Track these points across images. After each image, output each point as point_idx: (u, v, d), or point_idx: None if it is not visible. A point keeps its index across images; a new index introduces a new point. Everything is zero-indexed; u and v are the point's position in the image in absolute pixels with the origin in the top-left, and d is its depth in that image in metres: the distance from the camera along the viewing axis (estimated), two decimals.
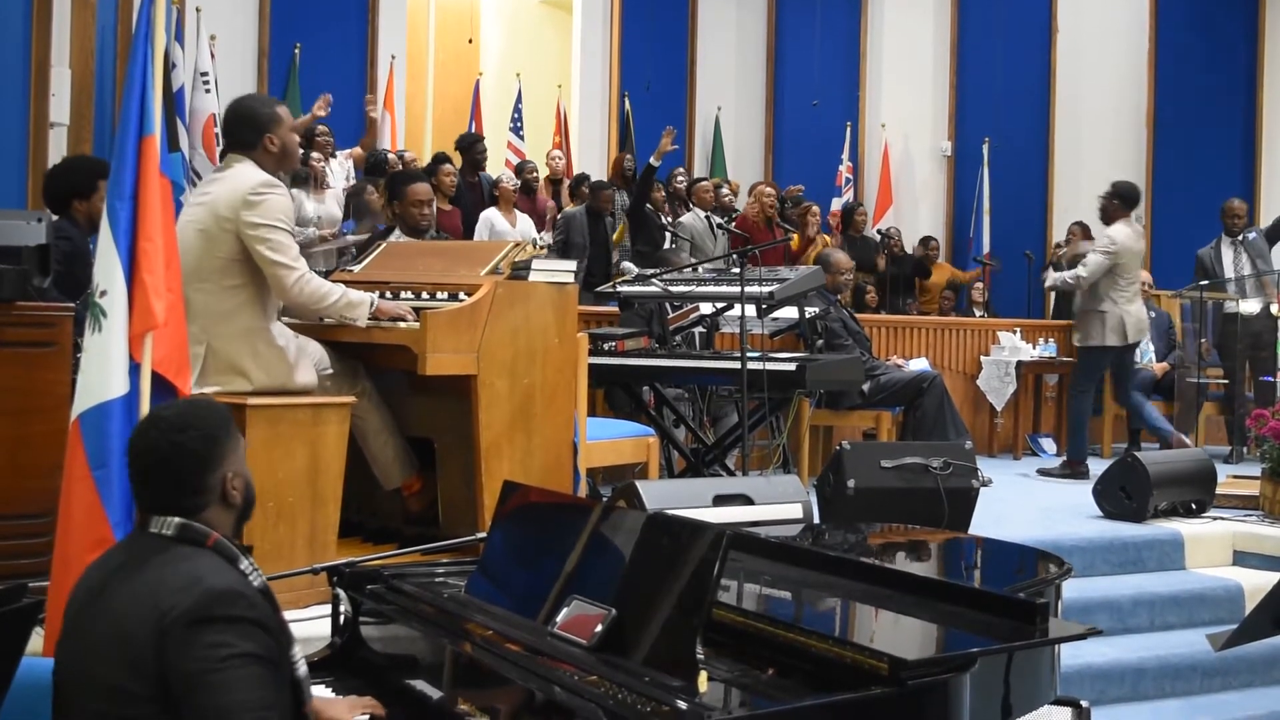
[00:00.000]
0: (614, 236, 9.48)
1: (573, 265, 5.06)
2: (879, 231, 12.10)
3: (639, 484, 4.06)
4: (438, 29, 13.87)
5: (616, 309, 7.47)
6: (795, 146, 13.53)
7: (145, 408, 3.42)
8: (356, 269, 5.15)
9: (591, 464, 5.19)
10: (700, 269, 6.98)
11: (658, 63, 12.91)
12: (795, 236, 10.00)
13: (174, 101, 8.40)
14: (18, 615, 2.57)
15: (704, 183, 9.98)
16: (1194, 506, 6.29)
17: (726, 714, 2.08)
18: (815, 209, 10.83)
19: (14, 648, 2.59)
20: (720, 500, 4.02)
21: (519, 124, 12.33)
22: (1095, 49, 12.45)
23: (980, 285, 11.39)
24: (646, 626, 2.34)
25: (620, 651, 2.33)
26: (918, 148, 13.24)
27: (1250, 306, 8.79)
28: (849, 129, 13.23)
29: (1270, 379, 8.64)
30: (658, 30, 12.97)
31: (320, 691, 2.81)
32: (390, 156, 9.74)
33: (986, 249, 12.39)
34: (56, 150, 6.42)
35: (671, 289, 6.61)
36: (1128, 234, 7.78)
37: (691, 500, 3.95)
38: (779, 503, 4.09)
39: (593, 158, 12.46)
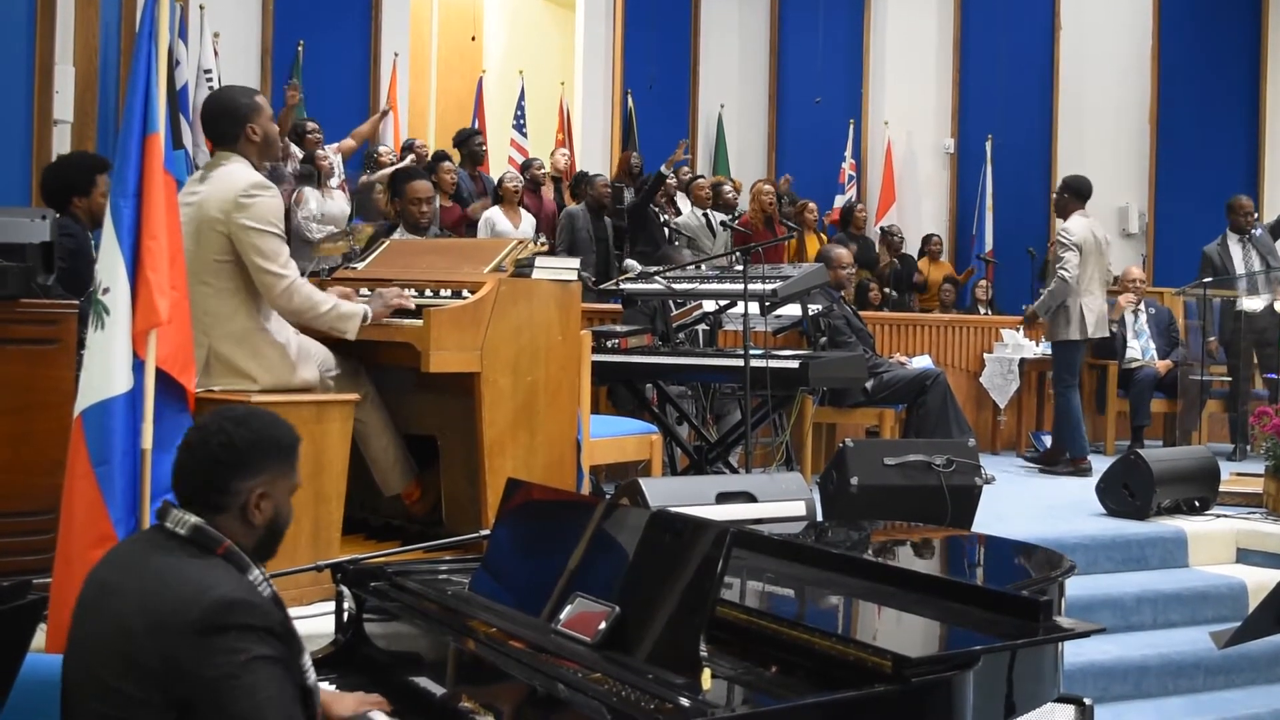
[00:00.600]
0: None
1: (575, 263, 5.06)
2: (880, 229, 12.09)
3: (642, 481, 4.05)
4: (441, 26, 13.86)
5: (620, 306, 7.47)
6: (798, 144, 13.52)
7: (149, 405, 3.42)
8: (360, 266, 5.15)
9: (595, 461, 5.19)
10: (703, 266, 6.98)
11: (660, 60, 12.91)
12: (796, 236, 10.01)
13: (177, 99, 8.45)
14: (21, 612, 2.57)
15: (700, 180, 9.99)
16: (1197, 504, 6.28)
17: (730, 711, 2.09)
18: (812, 206, 10.84)
19: (18, 644, 2.59)
20: (723, 498, 4.02)
21: (522, 121, 12.32)
22: (1098, 45, 12.45)
23: (984, 283, 11.38)
24: (650, 624, 2.34)
25: (624, 649, 2.34)
26: (920, 145, 13.23)
27: (1254, 304, 8.78)
28: (852, 126, 13.21)
29: (1274, 376, 8.62)
30: (660, 27, 12.96)
31: (324, 688, 2.81)
32: (381, 149, 9.74)
33: (989, 246, 12.39)
34: (60, 147, 6.43)
35: (675, 286, 6.61)
36: (1084, 225, 7.85)
37: (695, 498, 3.94)
38: (782, 500, 4.08)
39: (595, 155, 12.46)
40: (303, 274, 4.93)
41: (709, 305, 7.08)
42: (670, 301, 7.16)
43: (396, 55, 11.28)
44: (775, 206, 9.75)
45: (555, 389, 4.62)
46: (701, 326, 7.37)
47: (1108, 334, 8.22)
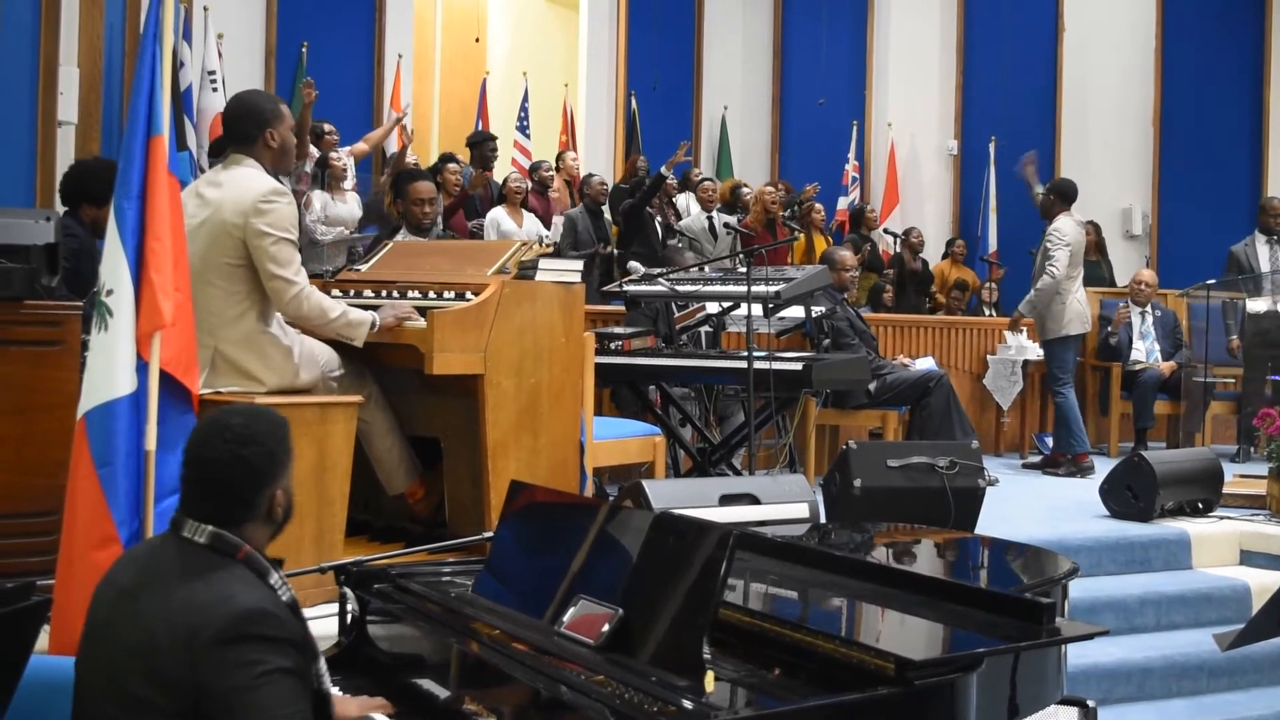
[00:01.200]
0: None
1: (579, 265, 5.06)
2: (886, 230, 12.08)
3: (645, 483, 4.06)
4: (444, 28, 13.85)
5: (623, 308, 7.47)
6: (801, 146, 13.52)
7: (153, 407, 3.42)
8: (364, 268, 5.15)
9: (598, 463, 5.19)
10: (707, 268, 6.98)
11: (664, 62, 12.91)
12: (802, 237, 10.00)
13: (181, 100, 8.46)
14: (26, 613, 2.57)
15: (706, 183, 10.00)
16: (1201, 506, 6.28)
17: (733, 713, 2.09)
18: (820, 207, 10.85)
19: (22, 646, 2.59)
20: (727, 500, 4.02)
21: (525, 123, 12.32)
22: (1102, 47, 12.44)
23: (990, 285, 11.37)
24: (653, 626, 2.34)
25: (627, 651, 2.34)
26: (924, 147, 13.23)
27: (1258, 305, 8.76)
28: (855, 128, 13.20)
29: (1278, 378, 8.60)
30: (664, 29, 12.97)
31: None
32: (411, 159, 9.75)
33: (993, 248, 12.38)
34: (64, 149, 6.43)
35: (678, 288, 6.61)
36: (1071, 225, 8.02)
37: (698, 500, 3.95)
38: (785, 502, 4.09)
39: (599, 157, 12.46)
40: (322, 275, 4.95)
41: (712, 307, 7.08)
42: (673, 303, 7.16)
43: (400, 57, 11.29)
44: (779, 207, 9.74)
45: (558, 391, 4.62)
46: (705, 328, 7.37)
47: (1088, 330, 8.40)
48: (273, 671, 2.29)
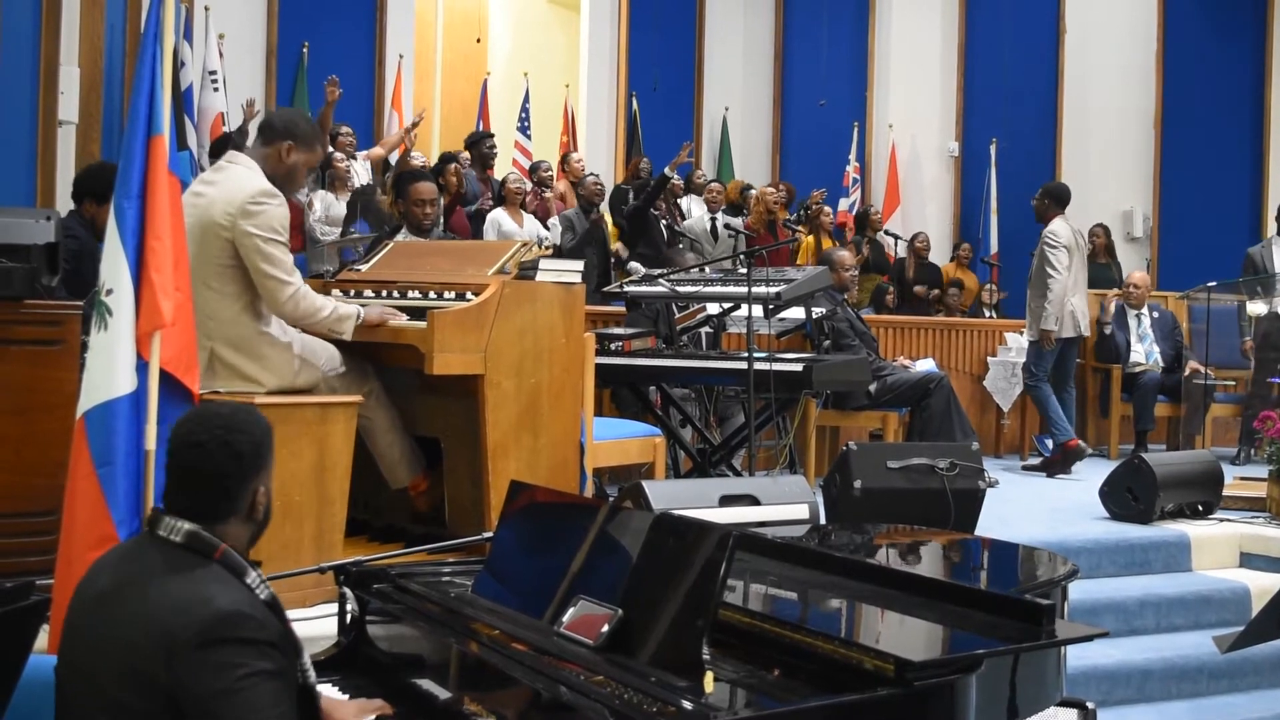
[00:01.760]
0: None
1: (579, 265, 5.06)
2: (887, 231, 12.07)
3: (645, 484, 4.06)
4: (445, 28, 13.85)
5: (623, 309, 7.47)
6: (802, 147, 13.53)
7: (153, 406, 3.42)
8: (364, 268, 5.15)
9: (598, 464, 5.18)
10: (707, 269, 6.98)
11: (665, 63, 12.92)
12: (808, 239, 10.01)
13: (182, 100, 8.46)
14: (25, 613, 2.57)
15: (715, 184, 10.00)
16: (1201, 508, 6.28)
17: (733, 714, 2.08)
18: (828, 209, 10.86)
19: (21, 645, 2.59)
20: (727, 501, 4.02)
21: (526, 124, 12.32)
22: (1103, 49, 12.45)
23: (990, 286, 11.38)
24: (653, 627, 2.34)
25: (627, 652, 2.34)
26: (925, 148, 13.23)
27: (1258, 308, 8.75)
28: (856, 129, 13.21)
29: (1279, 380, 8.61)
30: (665, 30, 12.97)
31: (326, 690, 2.81)
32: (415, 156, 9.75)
33: (994, 249, 12.38)
34: (65, 148, 6.44)
35: (679, 289, 6.61)
36: (1067, 228, 8.12)
37: (698, 500, 3.95)
38: (785, 503, 4.09)
39: (600, 158, 12.46)
40: (323, 275, 4.95)
41: (713, 308, 7.08)
42: (673, 304, 7.16)
43: (401, 57, 11.29)
44: (781, 208, 9.75)
45: (559, 391, 4.62)
46: (705, 329, 7.37)
47: (1088, 333, 8.50)
48: (253, 675, 2.27)
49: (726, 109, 13.41)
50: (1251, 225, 11.66)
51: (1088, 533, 5.84)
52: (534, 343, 4.52)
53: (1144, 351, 9.17)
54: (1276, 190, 11.71)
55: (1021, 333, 9.33)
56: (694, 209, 10.39)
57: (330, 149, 8.83)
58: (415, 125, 10.10)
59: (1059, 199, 8.24)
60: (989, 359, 9.35)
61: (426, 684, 2.73)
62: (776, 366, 5.89)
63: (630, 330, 6.76)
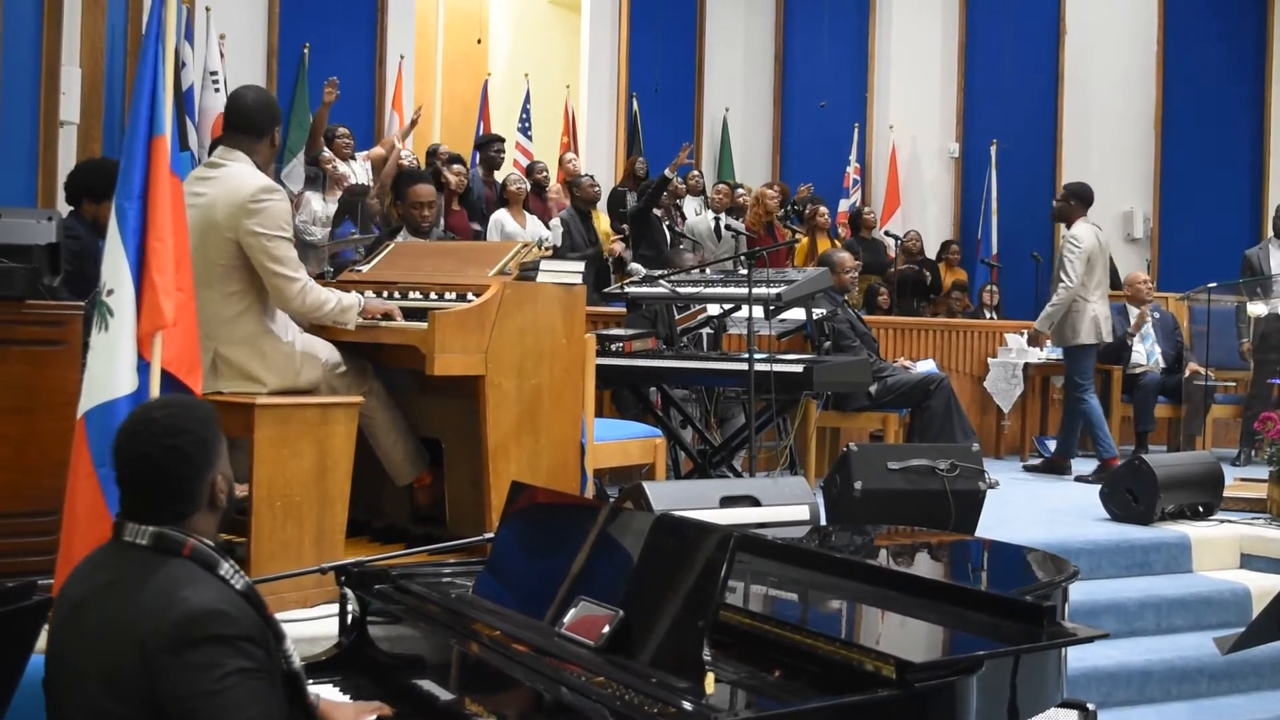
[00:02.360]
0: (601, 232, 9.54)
1: (580, 266, 5.06)
2: (887, 232, 12.07)
3: (646, 485, 4.07)
4: (446, 29, 13.85)
5: (624, 309, 7.47)
6: (803, 148, 13.51)
7: None
8: (365, 269, 5.16)
9: (599, 465, 5.19)
10: (708, 270, 6.98)
11: (666, 64, 12.91)
12: (804, 240, 10.01)
13: (183, 101, 8.47)
14: (26, 612, 2.57)
15: (721, 185, 10.01)
16: (1201, 509, 6.28)
17: (733, 715, 2.09)
18: (824, 210, 10.84)
19: (23, 645, 2.60)
20: (727, 502, 4.02)
21: (527, 125, 12.32)
22: (1104, 50, 12.45)
23: (991, 287, 11.38)
24: (654, 628, 2.34)
25: (627, 652, 2.34)
26: (925, 149, 13.22)
27: (1258, 309, 8.76)
28: (857, 130, 13.20)
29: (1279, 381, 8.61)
30: (666, 31, 12.96)
31: (328, 690, 2.82)
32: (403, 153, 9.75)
33: (994, 250, 12.38)
34: (66, 149, 6.44)
35: (679, 290, 6.61)
36: (1090, 231, 7.89)
37: (698, 501, 3.95)
38: (786, 504, 4.09)
39: (600, 159, 12.46)
40: (323, 276, 4.96)
41: (713, 309, 7.09)
42: (673, 305, 7.17)
43: (402, 58, 11.29)
44: (779, 208, 9.75)
45: (559, 392, 4.62)
46: (706, 330, 7.37)
47: (1113, 338, 8.25)
48: (232, 674, 2.26)
49: (727, 110, 13.40)
50: (1252, 226, 11.66)
51: (1088, 534, 5.84)
52: (535, 343, 4.52)
53: (1145, 352, 9.17)
54: (1277, 191, 11.70)
55: (1023, 334, 9.35)
56: (693, 210, 10.39)
57: (324, 149, 8.82)
58: (414, 124, 10.10)
59: (1084, 199, 7.97)
60: (989, 360, 9.36)
61: (427, 685, 2.73)
62: (777, 367, 5.90)
63: (631, 331, 6.76)
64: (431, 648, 2.79)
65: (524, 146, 12.13)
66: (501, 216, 8.91)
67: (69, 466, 3.42)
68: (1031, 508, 6.71)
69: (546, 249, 7.62)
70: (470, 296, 4.48)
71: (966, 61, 13.07)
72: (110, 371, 3.40)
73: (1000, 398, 9.24)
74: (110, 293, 3.44)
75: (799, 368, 6.01)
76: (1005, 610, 2.59)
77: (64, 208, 5.63)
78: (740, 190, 10.33)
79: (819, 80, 13.26)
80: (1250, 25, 12.04)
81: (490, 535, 3.14)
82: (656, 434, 5.79)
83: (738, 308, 6.74)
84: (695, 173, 11.06)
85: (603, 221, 9.91)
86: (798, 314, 6.93)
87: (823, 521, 4.44)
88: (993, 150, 12.63)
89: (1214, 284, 8.83)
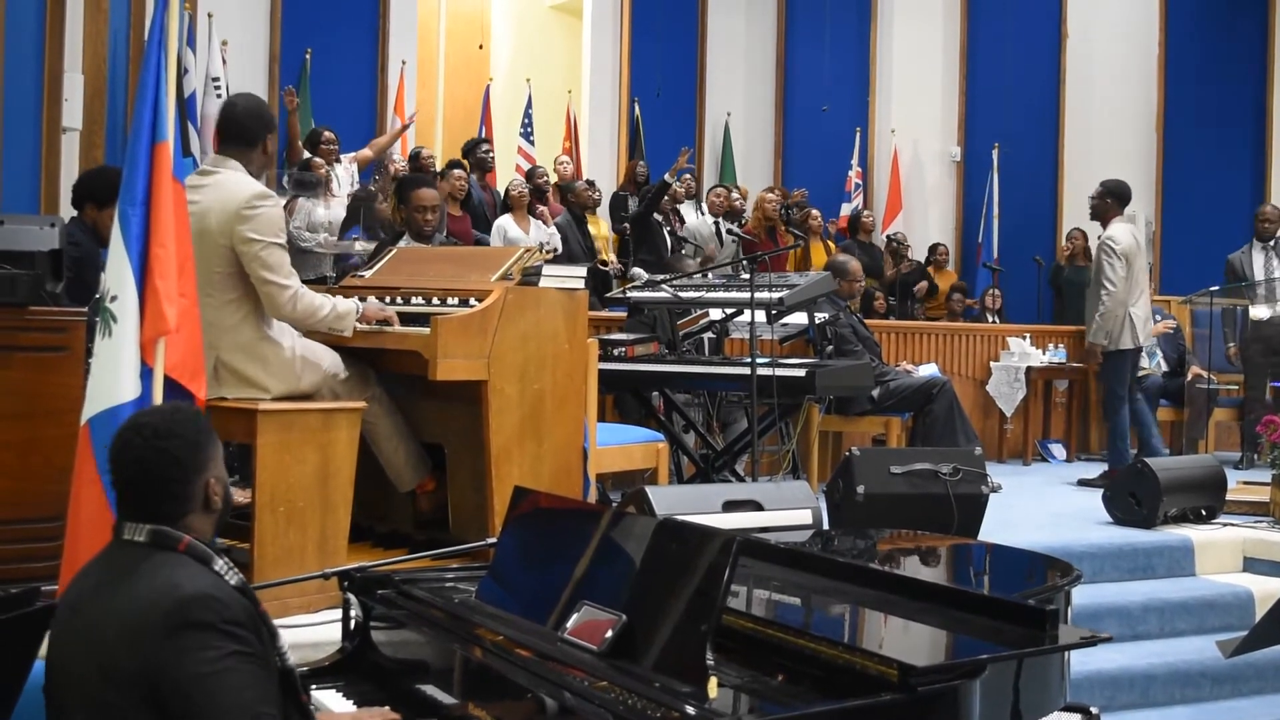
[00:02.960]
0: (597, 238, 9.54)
1: (582, 271, 5.06)
2: (888, 237, 12.09)
3: (649, 489, 4.07)
4: (448, 34, 13.87)
5: (624, 314, 7.47)
6: (804, 152, 13.52)
7: None
8: (367, 274, 5.16)
9: (601, 469, 5.19)
10: (709, 274, 6.99)
11: (667, 68, 12.91)
12: (803, 245, 10.01)
13: (185, 107, 8.47)
14: (30, 619, 2.58)
15: (718, 188, 10.01)
16: (1204, 513, 6.28)
17: (736, 719, 2.09)
18: (816, 213, 10.85)
19: (26, 651, 2.60)
20: (730, 506, 4.02)
21: (529, 129, 12.33)
22: (1105, 53, 12.45)
23: (993, 291, 11.38)
24: (657, 632, 2.34)
25: (630, 657, 2.34)
26: (927, 153, 13.23)
27: (1260, 312, 8.76)
28: (858, 134, 13.21)
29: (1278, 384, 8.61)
30: (667, 36, 12.96)
31: (330, 695, 2.82)
32: (394, 157, 9.76)
33: (995, 254, 12.37)
34: (69, 155, 6.44)
35: (681, 294, 6.61)
36: (1127, 231, 7.73)
37: (701, 506, 3.96)
38: (789, 508, 4.09)
39: (602, 163, 12.47)
40: (310, 283, 4.96)
41: (715, 313, 7.09)
42: (674, 310, 7.17)
43: (404, 63, 11.30)
44: (779, 214, 9.76)
45: (562, 397, 4.62)
46: (708, 334, 7.37)
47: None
48: (226, 656, 2.28)
49: (729, 115, 13.41)
50: (1254, 229, 11.66)
51: (1091, 537, 5.84)
52: (537, 348, 4.52)
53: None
54: (1278, 194, 11.70)
55: (1025, 337, 9.35)
56: (692, 214, 10.40)
57: (309, 154, 8.81)
58: (405, 128, 10.11)
59: (1120, 197, 7.75)
60: (992, 364, 9.36)
61: (430, 690, 2.73)
62: (779, 372, 5.90)
63: (633, 336, 6.77)
64: (435, 653, 2.80)
65: (526, 151, 12.14)
66: (504, 222, 8.92)
67: (72, 472, 3.43)
68: (1034, 511, 6.70)
69: (548, 252, 7.63)
70: (473, 302, 4.48)
71: (968, 65, 13.08)
72: (114, 378, 3.40)
73: (1003, 401, 9.24)
74: (114, 299, 3.44)
75: (801, 372, 6.02)
76: (1008, 614, 2.59)
77: (68, 213, 5.64)
78: (735, 195, 10.33)
79: (820, 84, 13.26)
80: (1252, 28, 12.02)
81: (493, 540, 3.14)
82: (659, 438, 5.80)
83: (740, 312, 6.75)
84: (687, 176, 11.05)
85: (601, 227, 9.92)
86: (800, 318, 6.93)
87: (825, 526, 4.45)
88: (994, 154, 12.63)
89: (1216, 287, 8.83)
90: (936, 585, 2.94)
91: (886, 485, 5.21)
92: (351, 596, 3.05)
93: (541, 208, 9.65)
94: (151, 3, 3.88)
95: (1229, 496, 6.42)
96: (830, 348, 7.30)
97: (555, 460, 4.60)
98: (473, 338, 4.30)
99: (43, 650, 2.54)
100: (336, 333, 4.32)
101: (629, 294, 6.82)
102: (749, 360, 5.81)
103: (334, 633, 3.23)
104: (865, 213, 11.98)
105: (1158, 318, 9.26)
